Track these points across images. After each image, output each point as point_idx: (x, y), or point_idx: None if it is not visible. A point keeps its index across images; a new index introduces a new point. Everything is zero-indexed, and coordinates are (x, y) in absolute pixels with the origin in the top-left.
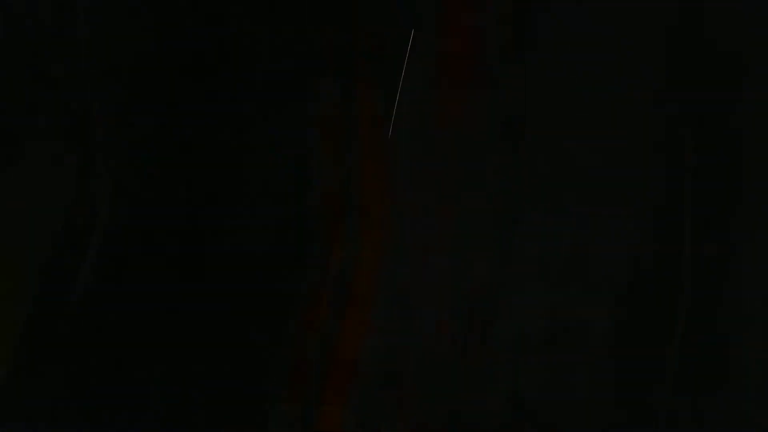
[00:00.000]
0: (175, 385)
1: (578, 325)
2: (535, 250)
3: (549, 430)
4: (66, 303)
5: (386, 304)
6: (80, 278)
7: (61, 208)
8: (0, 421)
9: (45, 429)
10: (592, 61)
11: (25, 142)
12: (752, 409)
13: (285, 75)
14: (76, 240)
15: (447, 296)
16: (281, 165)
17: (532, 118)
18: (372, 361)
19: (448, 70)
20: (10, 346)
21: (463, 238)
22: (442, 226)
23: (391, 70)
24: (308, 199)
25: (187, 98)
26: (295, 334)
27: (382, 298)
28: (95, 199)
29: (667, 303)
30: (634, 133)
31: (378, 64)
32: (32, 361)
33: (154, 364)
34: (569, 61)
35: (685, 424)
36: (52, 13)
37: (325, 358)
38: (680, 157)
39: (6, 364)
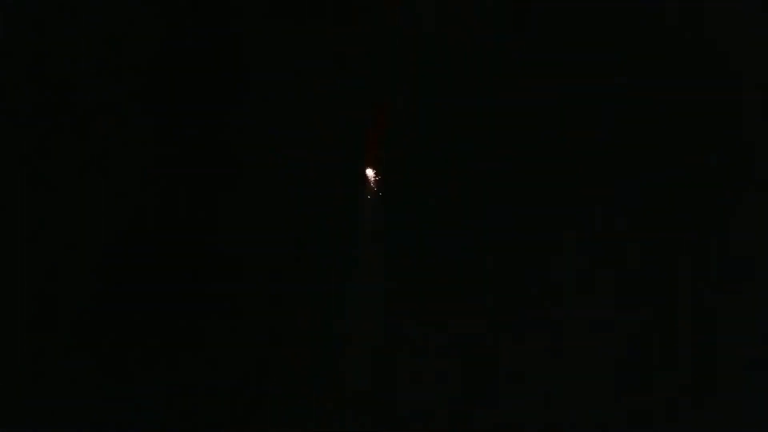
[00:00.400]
0: (175, 385)
1: (578, 325)
2: (534, 250)
3: (550, 430)
4: (67, 303)
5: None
6: (81, 278)
7: (61, 207)
8: (0, 421)
9: (45, 429)
10: (591, 61)
11: (25, 141)
12: (752, 409)
13: (285, 75)
14: (77, 240)
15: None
16: (281, 165)
17: (530, 117)
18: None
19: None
20: (11, 346)
21: (465, 230)
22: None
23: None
24: (309, 199)
25: (187, 98)
26: (295, 334)
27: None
28: (95, 198)
29: (667, 303)
30: (633, 132)
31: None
32: (32, 361)
33: (154, 364)
34: (568, 60)
35: (685, 424)
36: (52, 13)
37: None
38: (680, 157)
39: (6, 364)
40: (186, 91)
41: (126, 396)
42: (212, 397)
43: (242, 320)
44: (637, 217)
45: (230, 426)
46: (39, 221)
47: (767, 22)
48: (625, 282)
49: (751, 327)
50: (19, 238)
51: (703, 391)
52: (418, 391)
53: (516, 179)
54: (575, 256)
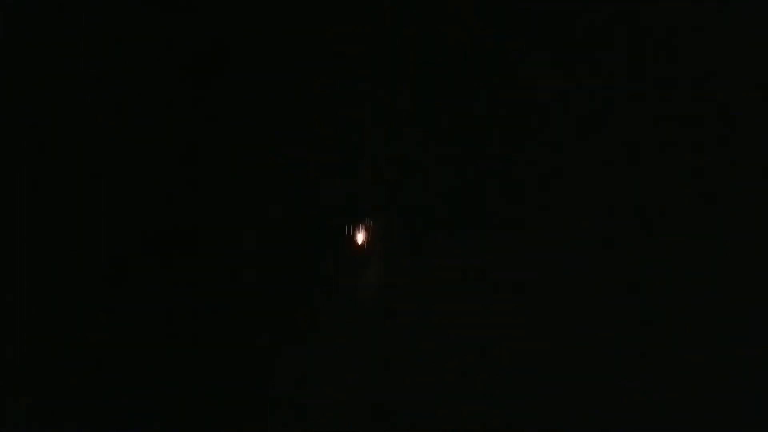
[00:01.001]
0: (175, 385)
1: (577, 324)
2: (534, 250)
3: (549, 430)
4: (67, 303)
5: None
6: (81, 278)
7: (61, 207)
8: (0, 420)
9: (45, 429)
10: (591, 61)
11: (25, 141)
12: (752, 409)
13: (287, 75)
14: (77, 240)
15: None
16: (282, 165)
17: (533, 116)
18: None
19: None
20: (11, 346)
21: (465, 230)
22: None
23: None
24: (310, 199)
25: (187, 98)
26: (295, 334)
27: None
28: (95, 198)
29: (665, 303)
30: (632, 131)
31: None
32: (33, 361)
33: (155, 364)
34: (568, 60)
35: (685, 424)
36: (52, 13)
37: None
38: (680, 157)
39: (6, 364)
40: (186, 90)
41: (126, 396)
42: (212, 397)
43: (242, 320)
44: (637, 217)
45: (230, 426)
46: (39, 221)
47: (767, 22)
48: (625, 283)
49: (750, 326)
50: (19, 238)
51: (704, 391)
52: (417, 391)
53: (516, 179)
54: (576, 256)
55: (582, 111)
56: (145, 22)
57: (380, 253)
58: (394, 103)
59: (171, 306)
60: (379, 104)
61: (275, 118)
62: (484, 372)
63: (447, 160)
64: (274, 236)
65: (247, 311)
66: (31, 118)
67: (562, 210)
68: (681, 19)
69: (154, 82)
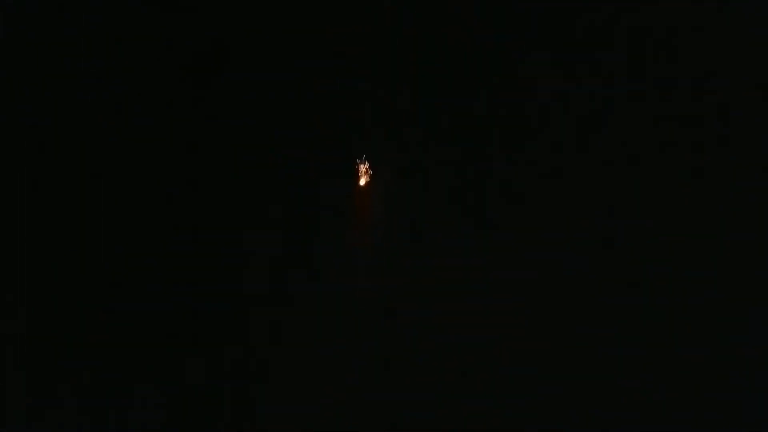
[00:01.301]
0: (175, 385)
1: (576, 325)
2: (534, 250)
3: (549, 430)
4: (67, 303)
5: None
6: (81, 278)
7: (61, 207)
8: (0, 421)
9: (45, 429)
10: (591, 61)
11: (25, 141)
12: (752, 409)
13: (287, 75)
14: (77, 239)
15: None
16: (281, 165)
17: (533, 116)
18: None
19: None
20: (11, 346)
21: (465, 229)
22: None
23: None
24: (310, 199)
25: (187, 98)
26: (296, 334)
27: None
28: (95, 198)
29: (665, 303)
30: (632, 131)
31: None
32: (33, 361)
33: (155, 364)
34: (568, 60)
35: (685, 423)
36: (52, 13)
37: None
38: (680, 157)
39: (6, 364)
40: (186, 90)
41: (126, 396)
42: (211, 397)
43: (242, 320)
44: (637, 217)
45: (230, 426)
46: (39, 221)
47: (767, 22)
48: (625, 283)
49: (750, 326)
50: (19, 239)
51: (704, 391)
52: (417, 391)
53: (516, 179)
54: (576, 256)
55: (582, 111)
56: (145, 22)
57: (380, 253)
58: (394, 103)
59: (171, 306)
60: (379, 104)
61: (275, 118)
62: (484, 372)
63: (447, 160)
64: (274, 236)
65: (247, 311)
66: (31, 118)
67: (562, 210)
68: (681, 19)
69: (154, 82)
